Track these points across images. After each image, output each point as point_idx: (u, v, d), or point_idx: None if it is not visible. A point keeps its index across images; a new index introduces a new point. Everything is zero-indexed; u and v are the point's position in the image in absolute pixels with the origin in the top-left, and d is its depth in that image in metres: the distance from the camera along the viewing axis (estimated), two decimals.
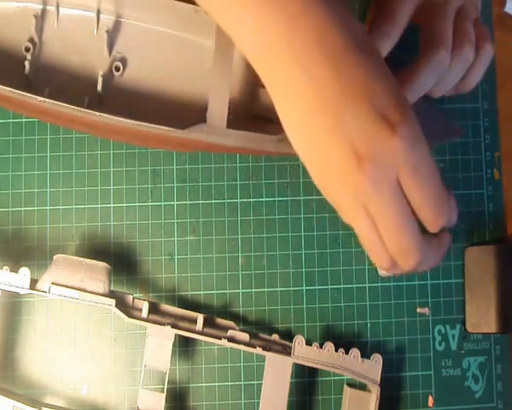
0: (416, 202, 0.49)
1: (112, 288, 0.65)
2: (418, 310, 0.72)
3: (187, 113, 0.69)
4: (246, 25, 0.48)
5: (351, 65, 0.47)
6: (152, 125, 0.63)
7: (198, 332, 0.66)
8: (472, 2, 0.62)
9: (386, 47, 0.60)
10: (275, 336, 0.68)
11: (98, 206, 0.71)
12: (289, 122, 0.50)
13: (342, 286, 0.72)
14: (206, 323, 0.66)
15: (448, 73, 0.59)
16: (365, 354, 0.68)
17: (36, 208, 0.71)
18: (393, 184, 0.48)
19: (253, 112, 0.69)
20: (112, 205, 0.71)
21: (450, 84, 0.61)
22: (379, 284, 0.72)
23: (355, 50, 0.47)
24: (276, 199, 0.72)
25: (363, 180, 0.48)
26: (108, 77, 0.69)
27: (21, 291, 0.63)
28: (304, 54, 0.47)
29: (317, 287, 0.72)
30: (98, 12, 0.69)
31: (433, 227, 0.51)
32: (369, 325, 0.72)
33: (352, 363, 0.67)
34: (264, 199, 0.72)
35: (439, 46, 0.58)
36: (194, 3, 0.65)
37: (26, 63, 0.66)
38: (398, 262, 0.52)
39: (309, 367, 0.68)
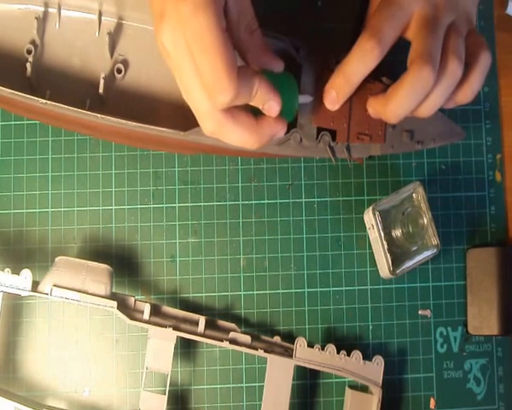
0: (199, 67, 0.51)
1: (113, 290, 0.65)
2: (420, 312, 0.72)
3: (188, 115, 0.69)
4: None
5: None
6: (153, 127, 0.63)
7: (200, 334, 0.66)
8: (464, 17, 0.62)
9: (371, 63, 0.59)
10: (276, 338, 0.68)
11: (100, 208, 0.71)
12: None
13: (344, 288, 0.72)
14: (208, 325, 0.66)
15: (435, 90, 0.59)
16: (367, 356, 0.68)
17: (37, 210, 0.71)
18: (183, 38, 0.50)
19: None
20: (113, 207, 0.71)
21: (438, 102, 0.60)
22: (380, 286, 0.72)
23: None
24: (278, 201, 0.72)
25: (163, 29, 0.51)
26: (110, 79, 0.69)
27: (23, 293, 0.63)
28: None
29: (318, 289, 0.72)
30: (100, 14, 0.69)
31: (212, 100, 0.52)
32: (370, 327, 0.72)
33: (353, 365, 0.67)
34: (266, 201, 0.72)
35: (424, 64, 0.57)
36: None
37: (28, 65, 0.66)
38: (212, 95, 0.52)
39: (310, 369, 0.68)
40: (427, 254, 0.69)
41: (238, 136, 0.55)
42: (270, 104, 0.55)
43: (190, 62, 0.51)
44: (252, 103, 0.54)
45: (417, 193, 0.69)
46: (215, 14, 0.50)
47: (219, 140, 0.59)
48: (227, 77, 0.50)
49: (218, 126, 0.54)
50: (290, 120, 0.60)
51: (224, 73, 0.50)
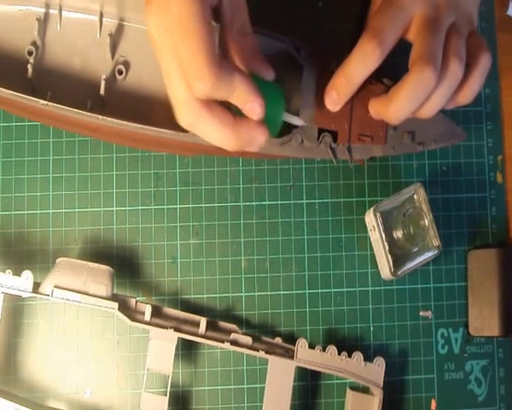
0: (179, 53, 0.50)
1: (114, 291, 0.65)
2: (421, 313, 0.72)
3: None
4: None
5: None
6: (154, 128, 0.63)
7: (201, 335, 0.66)
8: (465, 18, 0.62)
9: (372, 65, 0.59)
10: (277, 340, 0.68)
11: (101, 209, 0.71)
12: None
13: (345, 289, 0.72)
14: (209, 326, 0.66)
15: (436, 91, 0.59)
16: (368, 358, 0.68)
17: (38, 212, 0.71)
18: (167, 22, 0.50)
19: None
20: (114, 208, 0.71)
21: (439, 103, 0.60)
22: (382, 288, 0.72)
23: None
24: (279, 202, 0.72)
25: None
26: (111, 80, 0.69)
27: (24, 294, 0.63)
28: None
29: (319, 290, 0.72)
30: (101, 15, 0.69)
31: (190, 88, 0.51)
32: (371, 328, 0.72)
33: (354, 366, 0.67)
34: (267, 202, 0.72)
35: (426, 65, 0.57)
36: None
37: (29, 67, 0.66)
38: (190, 82, 0.51)
39: (312, 370, 0.68)
40: (428, 255, 0.69)
41: (214, 131, 0.54)
42: (253, 106, 0.54)
43: (172, 48, 0.50)
44: (232, 101, 0.53)
45: (418, 194, 0.69)
46: (200, 2, 0.49)
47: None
48: (206, 64, 0.50)
49: (195, 117, 0.53)
50: (273, 133, 0.59)
51: (203, 60, 0.50)
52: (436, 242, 0.69)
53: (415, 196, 0.69)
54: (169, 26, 0.50)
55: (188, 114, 0.53)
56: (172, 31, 0.50)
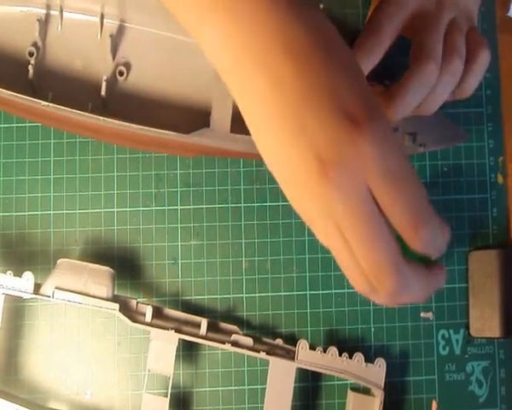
0: (390, 212, 0.44)
1: (115, 292, 0.65)
2: (422, 314, 0.72)
3: (190, 117, 0.69)
4: (203, 22, 0.46)
5: (314, 62, 0.44)
6: (155, 129, 0.63)
7: (202, 337, 0.66)
8: (465, 14, 0.62)
9: (370, 61, 0.59)
10: (278, 341, 0.68)
11: (102, 210, 0.71)
12: (252, 125, 0.46)
13: (346, 291, 0.72)
14: (210, 327, 0.66)
15: (437, 86, 0.59)
16: (369, 359, 0.68)
17: (39, 213, 0.71)
18: (362, 191, 0.43)
19: None
20: (115, 209, 0.71)
21: (440, 99, 0.60)
22: None
23: (320, 47, 0.44)
24: (280, 204, 0.72)
25: (328, 187, 0.43)
26: (112, 81, 0.69)
27: (25, 296, 0.63)
28: (263, 51, 0.44)
29: (320, 291, 0.71)
30: (102, 17, 0.69)
31: (413, 243, 0.45)
32: (372, 329, 0.72)
33: (355, 367, 0.67)
34: (268, 204, 0.72)
35: (427, 60, 0.57)
36: None
37: (30, 68, 0.66)
38: (374, 284, 0.46)
39: (312, 372, 0.68)
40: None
41: (417, 290, 0.47)
42: (442, 246, 0.47)
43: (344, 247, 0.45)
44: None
45: None
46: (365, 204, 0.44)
47: (221, 143, 0.59)
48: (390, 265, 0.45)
49: (403, 281, 0.45)
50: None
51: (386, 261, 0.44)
52: None
53: None
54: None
55: (396, 279, 0.45)
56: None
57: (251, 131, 0.46)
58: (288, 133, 0.43)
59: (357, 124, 0.42)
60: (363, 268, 0.45)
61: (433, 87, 0.59)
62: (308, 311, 0.72)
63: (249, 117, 0.46)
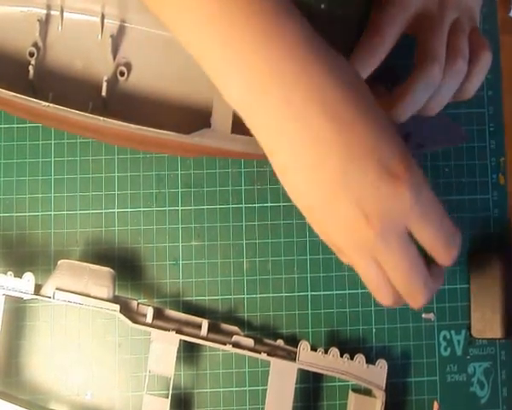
0: (427, 243, 0.50)
1: (116, 293, 0.65)
2: (423, 315, 0.72)
3: (191, 117, 0.69)
4: (233, 77, 0.47)
5: (352, 121, 0.47)
6: (156, 130, 0.63)
7: (203, 338, 0.66)
8: (467, 14, 0.62)
9: (373, 62, 0.60)
10: (279, 342, 0.68)
11: (102, 211, 0.71)
12: (287, 177, 0.49)
13: (347, 291, 0.72)
14: (211, 328, 0.66)
15: (441, 87, 0.59)
16: (370, 360, 0.68)
17: (40, 213, 0.70)
18: (402, 235, 0.48)
19: None
20: (116, 210, 0.71)
21: (444, 99, 0.60)
22: None
23: (355, 105, 0.47)
24: (281, 204, 0.72)
25: (372, 236, 0.48)
26: (113, 82, 0.68)
27: (25, 296, 0.63)
28: (303, 111, 0.46)
29: (322, 292, 0.71)
30: (102, 17, 0.69)
31: (446, 262, 0.51)
32: (374, 330, 0.72)
33: (356, 368, 0.67)
34: (269, 204, 0.72)
35: (432, 61, 0.57)
36: None
37: (30, 68, 0.66)
38: (407, 301, 0.52)
39: (314, 373, 0.68)
40: None
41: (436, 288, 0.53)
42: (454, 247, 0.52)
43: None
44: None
45: None
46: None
47: (222, 143, 0.59)
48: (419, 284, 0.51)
49: (431, 293, 0.52)
50: None
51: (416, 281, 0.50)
52: None
53: None
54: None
55: (427, 295, 0.52)
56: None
57: (283, 179, 0.49)
58: (332, 186, 0.47)
59: (397, 179, 0.47)
60: (398, 291, 0.51)
61: (437, 88, 0.59)
62: (309, 312, 0.71)
63: (284, 169, 0.49)
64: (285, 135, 0.47)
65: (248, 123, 0.49)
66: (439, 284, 0.53)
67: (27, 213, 0.70)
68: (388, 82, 0.63)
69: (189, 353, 0.70)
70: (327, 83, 0.46)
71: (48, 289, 0.64)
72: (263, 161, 0.72)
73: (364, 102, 0.48)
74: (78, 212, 0.71)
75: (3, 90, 0.63)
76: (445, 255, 0.51)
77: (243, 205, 0.72)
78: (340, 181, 0.47)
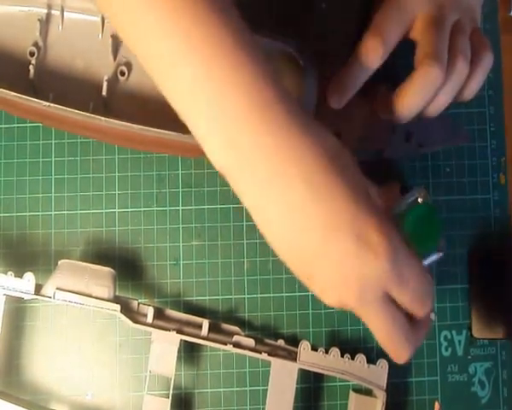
0: (405, 304, 0.51)
1: (117, 293, 0.65)
2: None
3: None
4: (216, 145, 0.50)
5: (332, 192, 0.49)
6: (157, 130, 0.63)
7: (203, 338, 0.66)
8: (468, 14, 0.62)
9: (373, 64, 0.60)
10: (280, 342, 0.68)
11: (103, 211, 0.71)
12: (274, 238, 0.52)
13: None
14: (212, 328, 0.66)
15: (443, 89, 0.59)
16: (371, 360, 0.67)
17: (40, 213, 0.70)
18: (381, 298, 0.50)
19: None
20: (117, 210, 0.71)
21: (446, 101, 0.61)
22: None
23: (336, 176, 0.49)
24: None
25: (352, 300, 0.50)
26: (113, 81, 0.69)
27: (26, 296, 0.63)
28: (286, 182, 0.49)
29: None
30: (103, 16, 0.68)
31: (424, 314, 0.53)
32: None
33: (357, 368, 0.67)
34: None
35: (433, 63, 0.57)
36: None
37: (31, 68, 0.66)
38: (392, 357, 0.54)
39: (314, 373, 0.68)
40: (433, 258, 0.68)
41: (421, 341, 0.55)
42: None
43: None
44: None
45: (422, 198, 0.68)
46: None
47: None
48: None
49: (413, 349, 0.54)
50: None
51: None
52: (441, 244, 0.68)
53: (419, 199, 0.68)
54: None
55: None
56: None
57: (270, 241, 0.53)
58: (312, 252, 0.50)
59: (374, 248, 0.48)
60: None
61: (439, 90, 0.59)
62: (310, 312, 0.71)
63: (271, 231, 0.52)
64: (267, 202, 0.49)
65: (230, 183, 0.51)
66: (423, 335, 0.55)
67: (28, 213, 0.70)
68: (389, 81, 0.63)
69: (189, 353, 0.70)
70: (309, 156, 0.48)
71: (48, 289, 0.64)
72: None
73: (345, 173, 0.49)
74: (79, 212, 0.71)
75: (4, 90, 0.63)
76: (422, 310, 0.52)
77: (244, 205, 0.71)
78: (320, 248, 0.49)
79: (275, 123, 0.48)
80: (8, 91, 0.62)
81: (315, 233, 0.49)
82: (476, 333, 0.72)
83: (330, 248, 0.49)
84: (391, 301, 0.51)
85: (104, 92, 0.66)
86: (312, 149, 0.48)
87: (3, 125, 0.71)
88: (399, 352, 0.53)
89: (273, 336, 0.70)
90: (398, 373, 0.71)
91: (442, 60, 0.58)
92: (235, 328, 0.67)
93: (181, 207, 0.71)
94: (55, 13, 0.69)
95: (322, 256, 0.49)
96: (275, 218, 0.50)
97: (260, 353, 0.66)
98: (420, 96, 0.59)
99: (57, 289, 0.63)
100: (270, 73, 0.49)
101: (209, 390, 0.70)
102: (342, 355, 0.67)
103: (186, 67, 0.48)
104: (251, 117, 0.48)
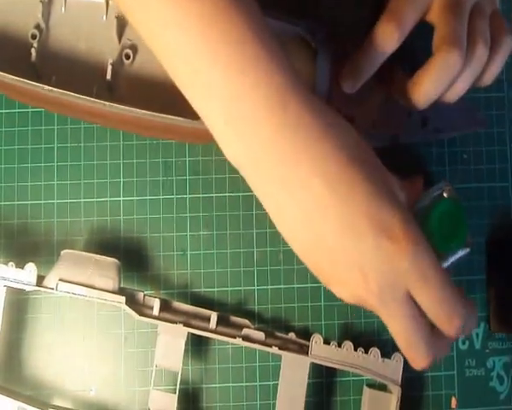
0: (427, 308, 0.51)
1: (122, 284, 0.65)
2: None
3: None
4: (235, 145, 0.50)
5: (353, 190, 0.49)
6: (163, 115, 0.62)
7: (211, 331, 0.65)
8: None
9: (390, 46, 0.59)
10: (291, 335, 0.67)
11: (107, 199, 0.70)
12: (291, 236, 0.53)
13: None
14: (220, 321, 0.66)
15: (462, 74, 0.58)
16: (385, 354, 0.66)
17: (43, 202, 0.70)
18: (402, 298, 0.50)
19: None
20: (122, 198, 0.70)
21: (464, 86, 0.60)
22: None
23: (357, 172, 0.49)
24: None
25: (371, 299, 0.51)
26: (118, 65, 0.68)
27: (28, 288, 0.63)
28: (307, 181, 0.49)
29: None
30: None
31: (448, 330, 0.52)
32: None
33: (371, 363, 0.66)
34: None
35: (453, 48, 0.56)
36: None
37: (33, 51, 0.65)
38: (409, 361, 0.54)
39: (327, 367, 0.67)
40: (460, 254, 0.66)
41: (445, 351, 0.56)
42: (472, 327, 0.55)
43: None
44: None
45: (447, 192, 0.67)
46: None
47: None
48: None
49: (432, 359, 0.54)
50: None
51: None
52: (468, 239, 0.66)
53: (444, 194, 0.67)
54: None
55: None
56: None
57: (288, 239, 0.54)
58: (331, 251, 0.50)
59: (396, 241, 0.49)
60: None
61: (458, 75, 0.58)
62: (322, 304, 0.70)
63: (289, 232, 0.54)
64: (284, 199, 0.51)
65: (245, 177, 0.52)
66: (444, 351, 0.55)
67: (29, 202, 0.70)
68: (406, 63, 0.62)
69: (197, 346, 0.69)
70: (330, 154, 0.49)
71: (51, 280, 0.63)
72: None
73: (365, 168, 0.50)
74: (82, 200, 0.70)
75: (5, 74, 0.62)
76: (446, 324, 0.52)
77: (253, 193, 0.70)
78: (339, 244, 0.50)
79: (292, 121, 0.49)
80: (9, 75, 0.62)
81: (333, 229, 0.49)
82: (494, 326, 0.71)
83: (349, 244, 0.49)
84: (413, 303, 0.51)
85: (108, 76, 0.65)
86: (335, 149, 0.49)
87: (4, 111, 0.70)
88: (417, 358, 0.53)
89: (284, 330, 0.69)
90: (413, 368, 0.69)
91: (461, 45, 0.56)
92: (245, 321, 0.67)
93: (188, 196, 0.71)
94: None
95: (340, 252, 0.50)
96: (292, 215, 0.51)
97: (271, 346, 0.65)
98: (438, 83, 0.58)
99: (60, 280, 0.63)
100: (289, 67, 0.50)
101: (217, 385, 0.69)
102: (356, 349, 0.66)
103: (206, 67, 0.49)
104: (268, 116, 0.48)
